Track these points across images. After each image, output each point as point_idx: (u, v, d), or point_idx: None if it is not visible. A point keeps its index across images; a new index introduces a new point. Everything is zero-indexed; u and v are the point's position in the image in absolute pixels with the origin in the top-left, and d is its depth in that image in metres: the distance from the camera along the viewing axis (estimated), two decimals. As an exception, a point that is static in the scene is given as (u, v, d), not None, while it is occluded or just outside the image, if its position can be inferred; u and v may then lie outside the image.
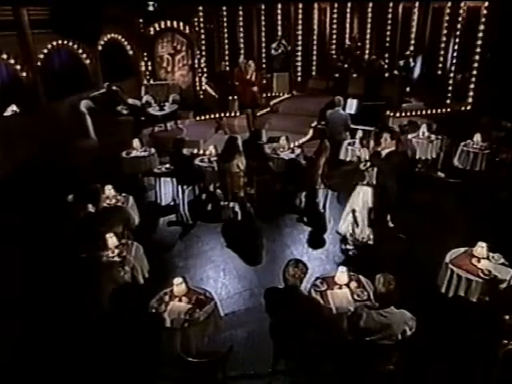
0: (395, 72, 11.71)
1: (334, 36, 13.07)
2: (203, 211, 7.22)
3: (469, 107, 10.52)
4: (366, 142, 5.82)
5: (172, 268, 5.68)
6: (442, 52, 11.55)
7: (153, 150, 8.06)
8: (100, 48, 11.00)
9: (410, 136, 8.02)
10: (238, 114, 10.45)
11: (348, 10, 12.88)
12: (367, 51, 12.82)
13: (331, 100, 8.95)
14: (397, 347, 3.41)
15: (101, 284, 3.97)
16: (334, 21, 12.91)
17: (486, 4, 9.87)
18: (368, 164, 5.66)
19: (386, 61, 12.29)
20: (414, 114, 10.52)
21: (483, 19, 9.96)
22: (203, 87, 11.75)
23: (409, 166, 6.58)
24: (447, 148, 8.20)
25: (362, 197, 5.76)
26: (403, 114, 10.41)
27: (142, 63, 11.88)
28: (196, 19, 11.43)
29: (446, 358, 4.07)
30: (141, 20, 11.48)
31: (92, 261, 4.02)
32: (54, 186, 6.89)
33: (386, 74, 11.69)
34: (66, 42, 10.01)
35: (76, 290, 3.93)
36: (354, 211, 5.84)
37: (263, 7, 12.51)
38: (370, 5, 12.37)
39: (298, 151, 7.86)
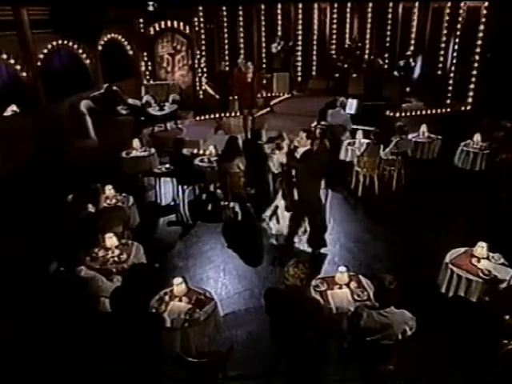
0: (395, 72, 11.72)
1: (334, 36, 13.08)
2: (203, 211, 7.22)
3: (469, 107, 10.53)
4: (280, 143, 5.66)
5: (172, 268, 5.67)
6: (442, 52, 11.57)
7: (153, 150, 8.07)
8: (100, 48, 10.99)
9: (410, 136, 8.04)
10: (238, 114, 10.46)
11: (348, 10, 12.89)
12: (367, 51, 12.83)
13: (332, 100, 8.96)
14: (397, 347, 3.41)
15: (83, 297, 3.94)
16: (334, 21, 12.93)
17: (486, 4, 9.88)
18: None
19: (386, 61, 12.31)
20: (414, 113, 10.53)
21: (483, 19, 9.98)
22: (203, 87, 11.76)
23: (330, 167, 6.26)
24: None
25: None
26: (403, 114, 10.42)
27: (142, 63, 11.88)
28: (196, 19, 11.44)
29: (445, 358, 4.07)
30: (141, 20, 11.49)
31: (69, 276, 3.98)
32: (54, 186, 6.88)
33: (386, 74, 11.69)
34: (65, 41, 10.00)
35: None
36: (277, 207, 5.79)
37: (263, 7, 12.52)
38: (370, 5, 12.38)
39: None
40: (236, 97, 10.30)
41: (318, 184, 5.59)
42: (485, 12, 9.94)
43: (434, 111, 10.64)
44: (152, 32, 11.50)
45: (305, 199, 5.50)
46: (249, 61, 10.00)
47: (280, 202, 5.78)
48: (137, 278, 3.74)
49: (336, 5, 12.74)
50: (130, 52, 12.16)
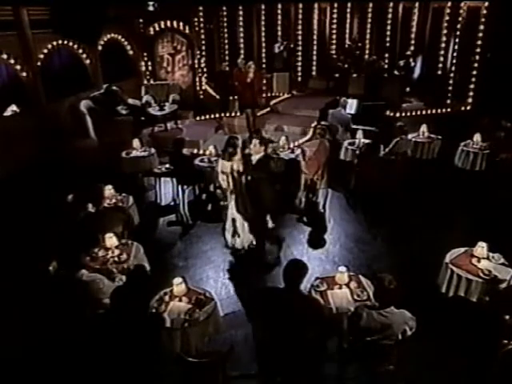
0: (395, 72, 11.71)
1: (334, 36, 13.07)
2: (203, 211, 7.22)
3: (469, 107, 10.53)
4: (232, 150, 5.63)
5: (172, 268, 5.68)
6: (442, 52, 11.55)
7: (153, 150, 8.08)
8: (100, 48, 10.99)
9: (410, 136, 8.04)
10: (238, 113, 10.46)
11: (348, 10, 12.88)
12: (367, 51, 12.82)
13: (332, 100, 8.97)
14: (397, 347, 3.41)
15: (83, 301, 3.93)
16: (334, 21, 12.91)
17: (486, 4, 9.88)
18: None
19: (386, 61, 12.30)
20: (414, 113, 10.53)
21: (483, 19, 9.98)
22: (203, 87, 11.76)
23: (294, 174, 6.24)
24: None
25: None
26: (403, 114, 10.42)
27: (142, 63, 11.88)
28: (196, 19, 11.43)
29: (445, 358, 4.07)
30: (141, 20, 11.49)
31: (70, 280, 3.97)
32: (54, 186, 6.89)
33: (386, 74, 11.68)
34: (65, 41, 10.00)
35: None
36: (234, 221, 5.69)
37: (263, 7, 12.51)
38: (370, 5, 12.37)
39: (297, 151, 7.86)
40: (236, 97, 10.30)
41: (275, 192, 5.55)
42: (485, 12, 9.94)
43: (434, 111, 10.64)
44: (152, 32, 11.49)
45: (262, 207, 5.44)
46: (250, 61, 10.00)
47: (235, 214, 5.64)
48: (137, 278, 3.74)
49: (336, 5, 12.72)
50: (130, 52, 12.16)
